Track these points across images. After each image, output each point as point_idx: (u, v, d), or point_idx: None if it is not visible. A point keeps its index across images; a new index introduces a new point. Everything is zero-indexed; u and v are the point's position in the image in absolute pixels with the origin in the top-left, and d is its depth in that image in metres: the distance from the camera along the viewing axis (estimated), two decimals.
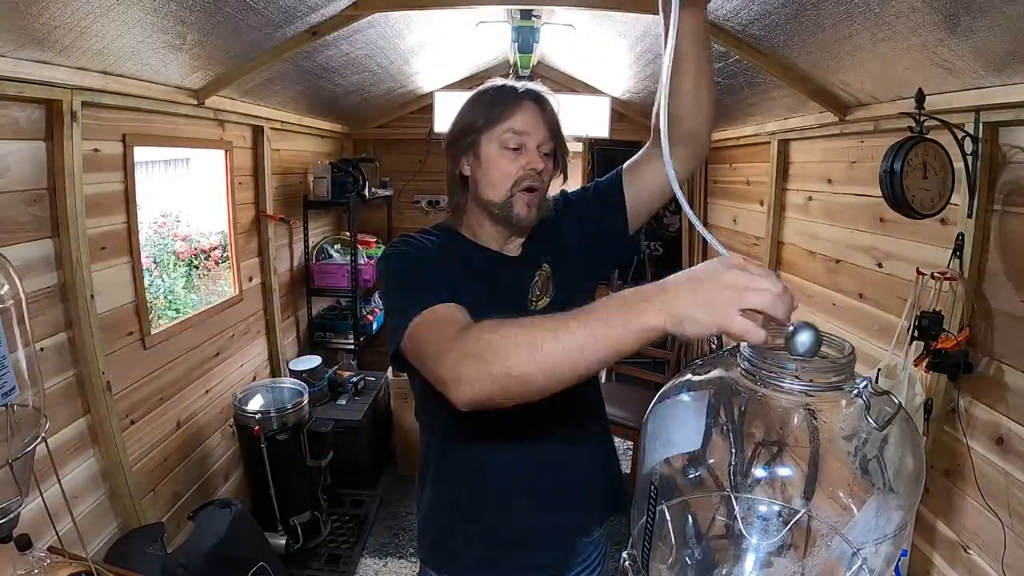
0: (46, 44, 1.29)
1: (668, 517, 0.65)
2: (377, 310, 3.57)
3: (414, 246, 1.00)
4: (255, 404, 2.28)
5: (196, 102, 1.96)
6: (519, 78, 1.12)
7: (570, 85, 3.54)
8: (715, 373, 0.66)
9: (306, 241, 3.08)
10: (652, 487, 0.64)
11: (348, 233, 3.20)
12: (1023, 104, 1.22)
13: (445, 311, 0.83)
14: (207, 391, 2.27)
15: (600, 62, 3.00)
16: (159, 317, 2.77)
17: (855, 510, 0.60)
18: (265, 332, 2.76)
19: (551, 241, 1.07)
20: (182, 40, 1.54)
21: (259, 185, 2.65)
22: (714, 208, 3.41)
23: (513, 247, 1.06)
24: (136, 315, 1.85)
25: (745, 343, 0.59)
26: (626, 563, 0.67)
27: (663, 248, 3.82)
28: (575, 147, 3.60)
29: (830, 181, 2.11)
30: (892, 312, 1.71)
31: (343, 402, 2.85)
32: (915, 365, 1.44)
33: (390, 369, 3.05)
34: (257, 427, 2.13)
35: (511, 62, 3.03)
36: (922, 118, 1.32)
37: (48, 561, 0.96)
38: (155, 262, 3.21)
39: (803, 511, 0.63)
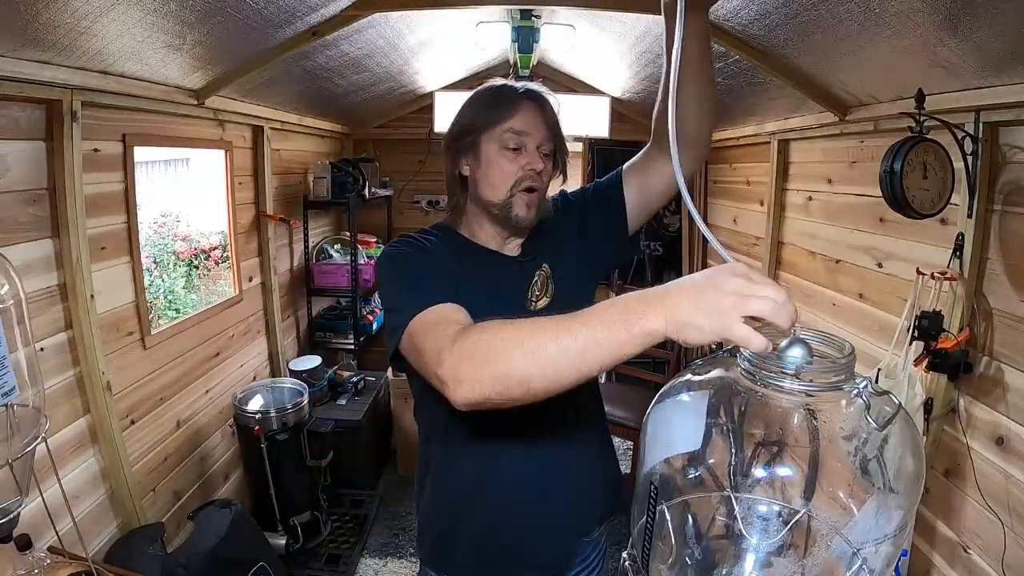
0: (46, 44, 1.29)
1: (668, 517, 0.65)
2: (377, 310, 3.57)
3: (413, 246, 1.00)
4: (255, 404, 2.28)
5: (196, 102, 1.96)
6: (519, 78, 1.12)
7: (570, 85, 3.54)
8: (715, 373, 0.66)
9: (306, 241, 3.08)
10: (652, 487, 0.64)
11: (348, 233, 3.20)
12: (1023, 104, 1.22)
13: (445, 311, 0.83)
14: (207, 391, 2.27)
15: (600, 62, 3.00)
16: (159, 317, 2.77)
17: (855, 510, 0.60)
18: (265, 332, 2.76)
19: (551, 241, 1.07)
20: (182, 40, 1.54)
21: (259, 185, 2.65)
22: (714, 208, 3.41)
23: (512, 247, 1.06)
24: (136, 315, 1.85)
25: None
26: (626, 563, 0.67)
27: (663, 248, 3.82)
28: (575, 147, 3.60)
29: (830, 181, 2.11)
30: (892, 312, 1.71)
31: (343, 402, 2.85)
32: (915, 365, 1.44)
33: (390, 369, 3.06)
34: (257, 427, 2.13)
35: (511, 62, 3.03)
36: (922, 118, 1.32)
37: (48, 561, 0.96)
38: (155, 262, 3.21)
39: (803, 511, 0.63)
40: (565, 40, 2.58)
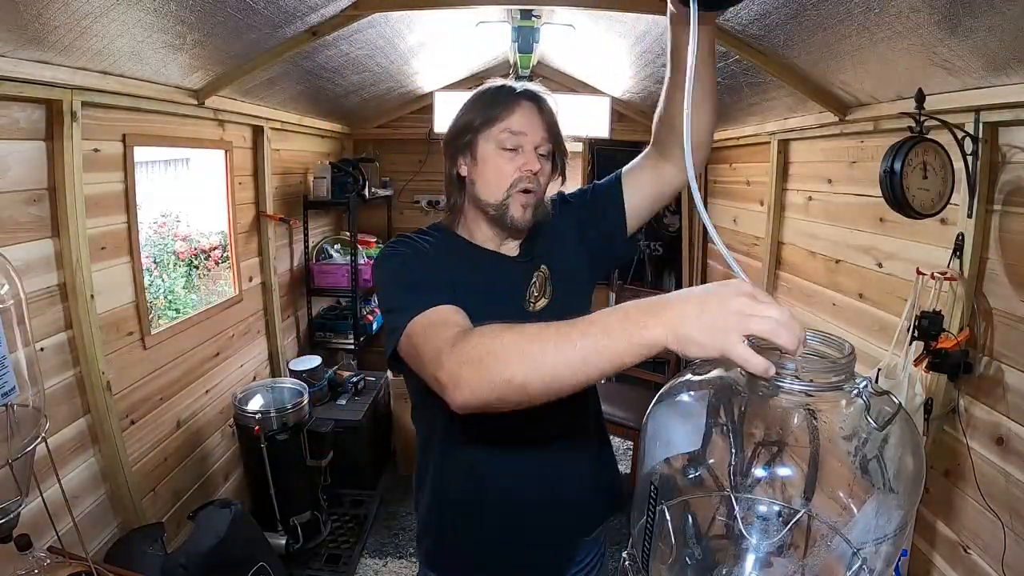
0: (46, 44, 1.29)
1: (668, 517, 0.65)
2: (377, 310, 3.57)
3: (411, 246, 1.00)
4: (255, 404, 2.28)
5: (196, 102, 1.96)
6: (519, 78, 1.12)
7: (570, 85, 3.54)
8: (715, 373, 0.66)
9: (306, 241, 3.08)
10: (652, 487, 0.64)
11: (348, 233, 3.20)
12: (1023, 104, 1.22)
13: (444, 313, 0.83)
14: (207, 391, 2.27)
15: (600, 62, 3.00)
16: (159, 317, 2.77)
17: (855, 510, 0.60)
18: (265, 332, 2.76)
19: (549, 242, 1.07)
20: (182, 40, 1.54)
21: (259, 185, 2.65)
22: (714, 208, 3.41)
23: (511, 248, 1.06)
24: (136, 315, 1.85)
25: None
26: (626, 563, 0.67)
27: (663, 248, 3.82)
28: (575, 147, 3.60)
29: (830, 181, 2.11)
30: (892, 312, 1.71)
31: (343, 402, 2.85)
32: (915, 365, 1.44)
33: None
34: (257, 427, 2.13)
35: (511, 62, 3.03)
36: (922, 118, 1.32)
37: (48, 561, 0.96)
38: (155, 262, 3.21)
39: (803, 511, 0.63)
40: (565, 40, 2.59)
